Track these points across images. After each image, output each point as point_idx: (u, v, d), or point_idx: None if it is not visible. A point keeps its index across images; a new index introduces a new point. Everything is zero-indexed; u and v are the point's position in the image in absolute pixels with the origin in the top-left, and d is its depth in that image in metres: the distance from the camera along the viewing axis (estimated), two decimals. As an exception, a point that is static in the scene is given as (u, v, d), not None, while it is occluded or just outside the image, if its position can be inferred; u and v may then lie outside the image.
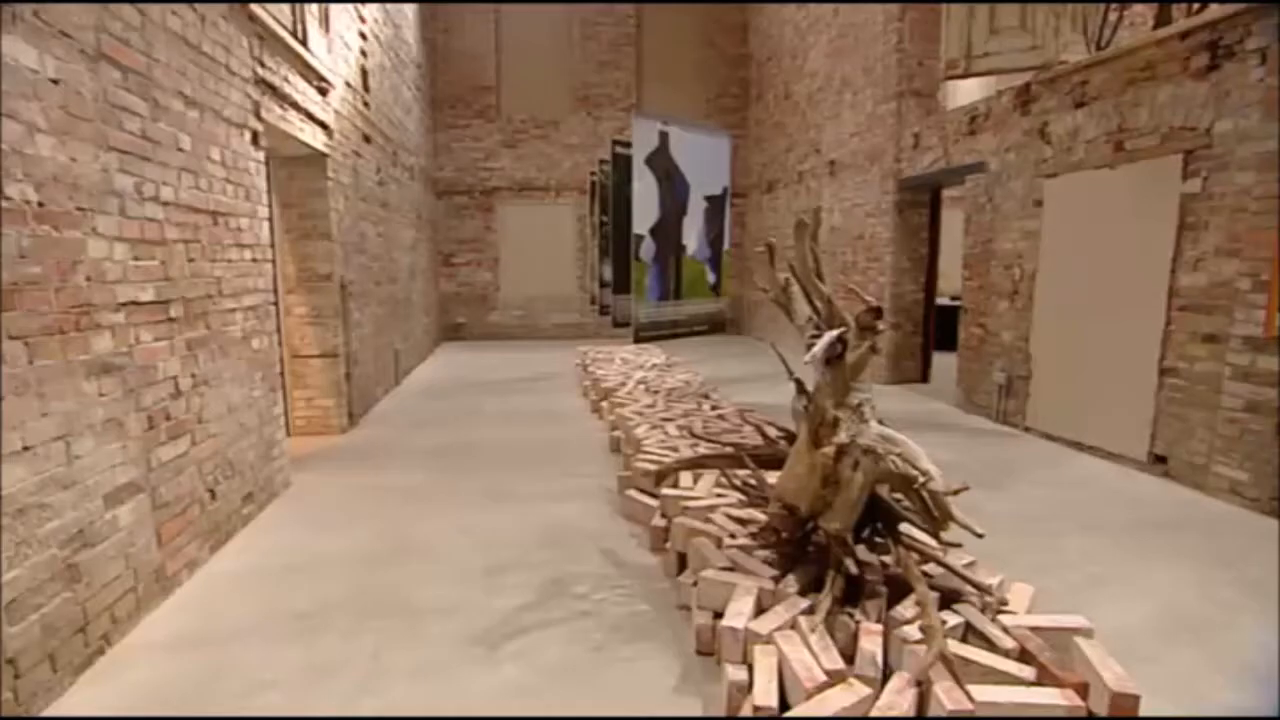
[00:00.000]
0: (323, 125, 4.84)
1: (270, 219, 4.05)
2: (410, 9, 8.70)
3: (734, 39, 11.40)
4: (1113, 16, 4.70)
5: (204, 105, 3.02)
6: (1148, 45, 4.08)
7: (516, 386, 7.28)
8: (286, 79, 4.10)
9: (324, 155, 4.91)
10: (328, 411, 5.18)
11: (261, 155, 3.70)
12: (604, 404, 5.51)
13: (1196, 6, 3.89)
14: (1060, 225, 4.91)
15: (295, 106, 4.27)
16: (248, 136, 3.52)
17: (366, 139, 6.20)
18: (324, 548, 3.13)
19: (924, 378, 7.21)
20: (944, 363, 6.93)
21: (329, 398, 5.18)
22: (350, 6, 5.77)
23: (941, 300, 7.58)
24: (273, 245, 4.20)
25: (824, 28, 8.50)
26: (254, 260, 3.55)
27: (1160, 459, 4.13)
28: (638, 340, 7.41)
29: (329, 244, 5.03)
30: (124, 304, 2.40)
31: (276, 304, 4.16)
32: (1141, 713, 1.80)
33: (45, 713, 1.94)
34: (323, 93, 4.83)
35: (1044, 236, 5.05)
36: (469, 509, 3.63)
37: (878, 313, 2.08)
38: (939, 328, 7.33)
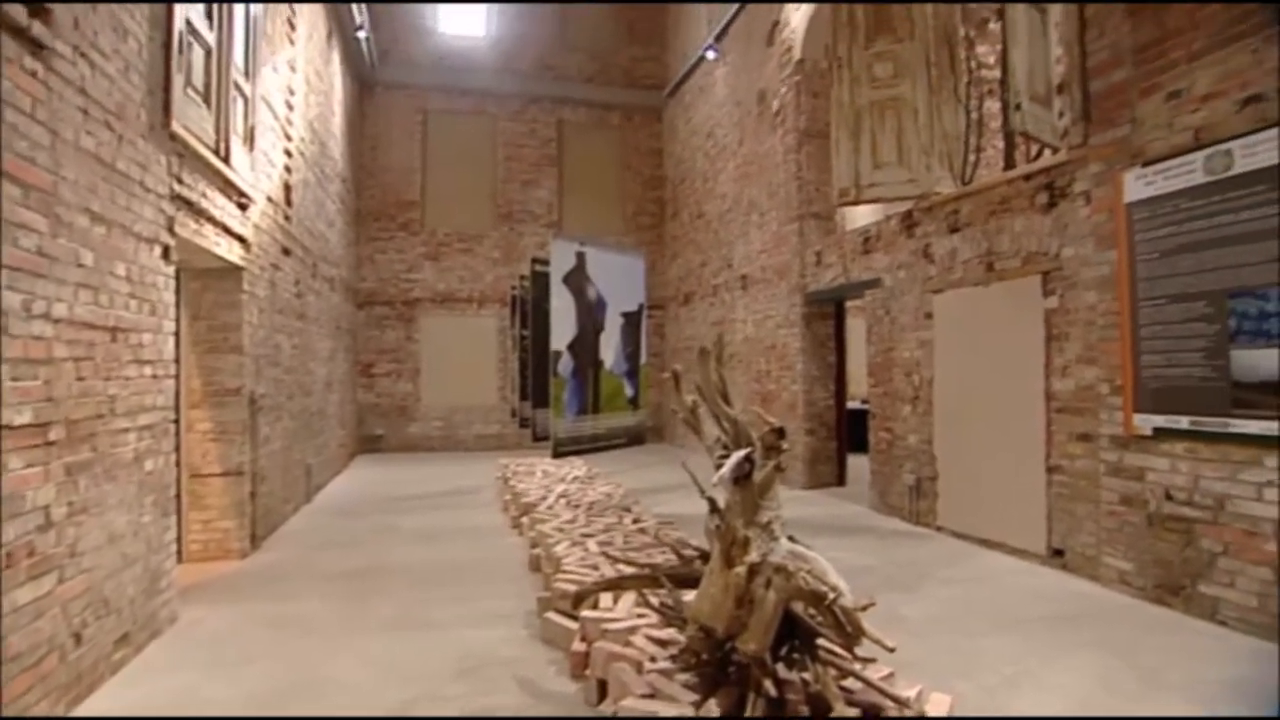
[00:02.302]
0: (240, 239, 4.81)
1: (177, 333, 3.92)
2: (338, 128, 8.97)
3: (650, 162, 12.27)
4: (972, 157, 5.41)
5: (112, 221, 2.98)
6: (1000, 183, 4.71)
7: (435, 502, 7.00)
8: (205, 194, 4.10)
9: (240, 268, 4.85)
10: (228, 534, 4.81)
11: (172, 269, 3.64)
12: (524, 520, 5.37)
13: (1034, 153, 4.56)
14: (949, 336, 5.37)
15: (212, 221, 4.26)
16: (158, 251, 3.46)
17: (286, 252, 6.18)
18: (207, 694, 2.82)
19: (840, 480, 7.44)
20: (859, 464, 7.20)
21: (230, 519, 4.82)
22: (277, 126, 5.92)
23: (853, 404, 7.97)
24: (177, 360, 4.03)
25: (731, 155, 9.31)
26: (154, 376, 3.40)
27: (1058, 552, 4.38)
28: (556, 455, 7.39)
29: (239, 357, 4.87)
30: (-4, 429, 2.23)
31: (177, 421, 3.94)
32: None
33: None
34: (243, 207, 4.84)
35: (936, 346, 5.49)
36: (379, 639, 3.38)
37: (780, 433, 2.20)
38: (852, 431, 7.66)
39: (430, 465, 9.53)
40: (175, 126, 3.57)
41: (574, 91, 11.86)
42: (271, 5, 5.67)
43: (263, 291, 5.40)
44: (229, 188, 4.51)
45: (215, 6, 4.21)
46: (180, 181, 3.72)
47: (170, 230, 3.59)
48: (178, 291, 4.06)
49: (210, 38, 4.14)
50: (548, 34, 11.85)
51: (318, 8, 7.66)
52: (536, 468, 7.72)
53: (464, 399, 11.20)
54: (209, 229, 4.21)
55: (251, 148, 5.01)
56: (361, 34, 9.30)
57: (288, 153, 6.28)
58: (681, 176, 11.35)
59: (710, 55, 9.76)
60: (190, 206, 3.88)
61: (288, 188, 6.27)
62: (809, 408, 7.38)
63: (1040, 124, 4.29)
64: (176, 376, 3.92)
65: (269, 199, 5.64)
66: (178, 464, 4.21)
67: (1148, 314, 3.72)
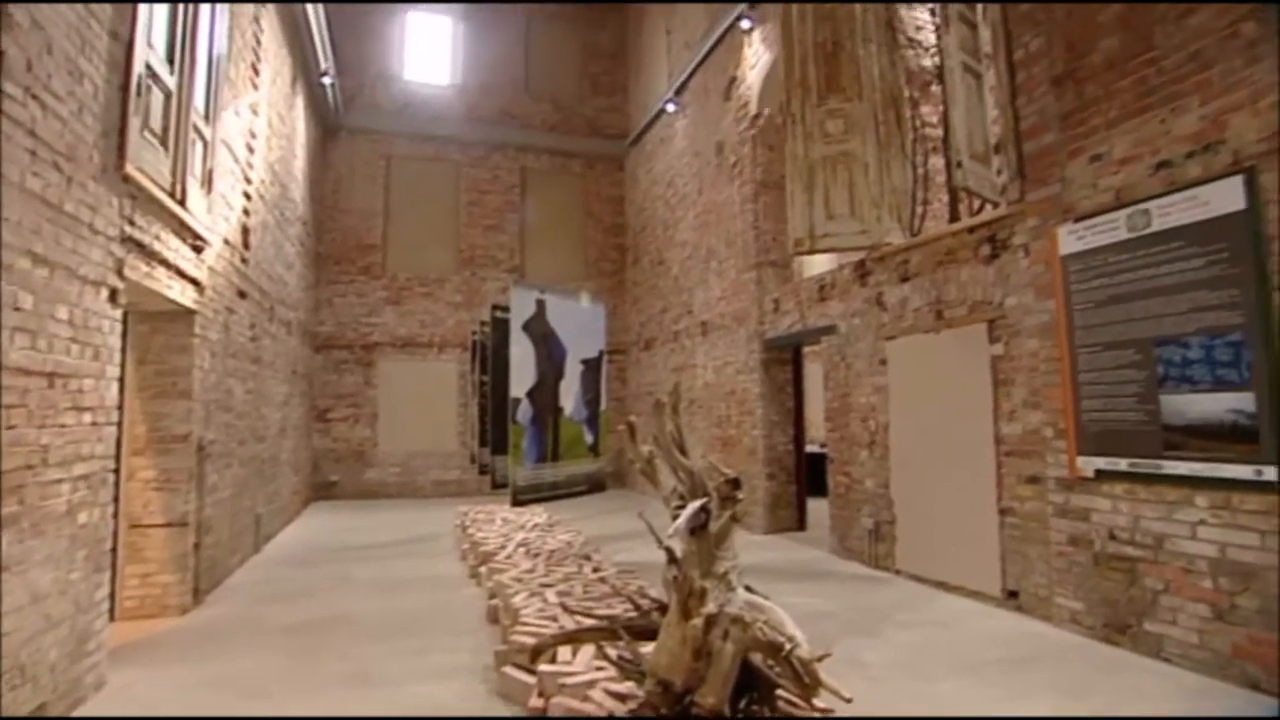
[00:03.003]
0: (194, 282, 4.72)
1: (121, 378, 3.79)
2: (300, 171, 8.95)
3: (611, 209, 12.49)
4: (920, 209, 5.67)
5: (56, 264, 2.90)
6: (946, 235, 4.94)
7: (391, 551, 6.79)
8: (158, 237, 4.03)
9: (192, 312, 4.75)
10: (168, 589, 4.57)
11: (119, 313, 3.54)
12: (483, 569, 5.24)
13: (976, 207, 4.81)
14: (903, 381, 5.52)
15: (165, 264, 4.17)
16: (105, 294, 3.37)
17: (242, 295, 6.07)
18: (137, 763, 2.64)
19: (801, 525, 7.47)
20: (819, 508, 7.25)
21: (171, 573, 4.59)
22: (236, 169, 5.88)
23: (812, 448, 8.06)
24: (120, 406, 3.89)
25: (690, 204, 9.55)
26: (94, 424, 3.27)
27: (1013, 594, 4.45)
28: (515, 504, 7.26)
29: (188, 403, 4.71)
30: (-85, 483, 2.11)
31: (117, 470, 3.78)
32: None
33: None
34: (198, 250, 4.76)
35: (891, 391, 5.63)
36: (326, 697, 3.23)
37: (735, 483, 2.23)
38: (811, 475, 7.73)
39: (387, 512, 9.26)
40: (129, 169, 3.52)
41: (537, 139, 12.09)
42: (235, 51, 5.70)
43: (216, 335, 5.27)
44: (184, 230, 4.44)
45: (177, 52, 4.22)
46: (132, 224, 3.65)
47: (119, 273, 3.51)
48: (124, 335, 3.95)
49: (170, 81, 4.14)
50: (512, 84, 12.13)
51: (283, 53, 7.72)
52: (496, 515, 7.58)
53: (423, 445, 10.99)
54: (161, 272, 4.12)
55: (209, 190, 4.97)
56: (327, 79, 9.37)
57: (247, 195, 6.22)
58: (643, 224, 11.57)
59: (670, 108, 10.09)
60: (142, 249, 3.80)
61: (246, 230, 6.20)
62: (769, 452, 7.44)
63: (980, 181, 4.53)
64: (119, 423, 3.78)
65: (226, 241, 5.56)
66: (115, 515, 4.02)
67: (1085, 360, 3.91)
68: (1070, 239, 3.98)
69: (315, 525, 8.34)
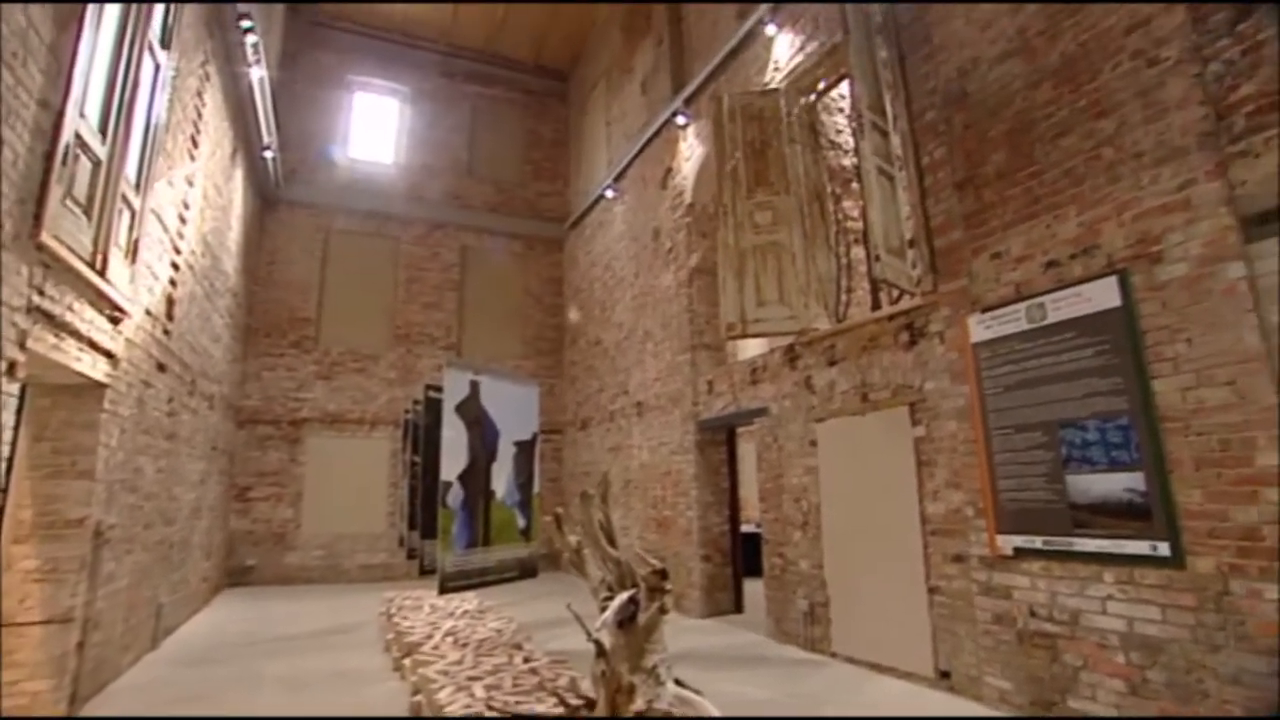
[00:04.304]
0: (108, 354, 4.49)
1: (10, 457, 3.51)
2: (234, 242, 8.78)
3: (550, 289, 12.67)
4: (844, 297, 6.01)
5: (-47, 337, 2.74)
6: (869, 322, 5.23)
7: (308, 643, 6.30)
8: (71, 308, 3.86)
9: (103, 385, 4.49)
10: (37, 698, 4.08)
11: (16, 387, 3.33)
12: (407, 661, 4.93)
13: (895, 296, 5.13)
14: (833, 462, 5.67)
15: (76, 335, 3.97)
16: (2, 367, 3.17)
17: (161, 368, 5.79)
18: None
19: (738, 607, 7.37)
20: (757, 589, 7.19)
21: (45, 678, 4.11)
22: (166, 239, 5.74)
23: (748, 528, 8.06)
24: (5, 489, 3.59)
25: (627, 287, 9.81)
26: (-26, 508, 3.00)
27: (945, 674, 4.47)
28: (444, 591, 6.96)
29: (89, 484, 4.38)
30: None
31: (-6, 559, 3.44)
32: None
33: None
34: (115, 321, 4.56)
35: (822, 472, 5.76)
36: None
37: (663, 574, 2.23)
38: (748, 555, 7.69)
39: (307, 599, 8.63)
40: (45, 237, 3.40)
41: (479, 219, 12.29)
42: (174, 123, 5.68)
43: (128, 410, 4.98)
44: (101, 300, 4.27)
45: (111, 122, 4.18)
46: (42, 294, 3.49)
47: (21, 345, 3.32)
48: (19, 411, 3.69)
49: (101, 151, 4.07)
50: (455, 166, 12.41)
51: (224, 126, 7.72)
52: (424, 601, 7.20)
53: (349, 526, 10.43)
54: (70, 343, 3.92)
55: (133, 260, 4.81)
56: (269, 154, 9.37)
57: (175, 266, 6.05)
58: (580, 304, 11.76)
59: (609, 194, 10.50)
60: (51, 320, 3.62)
61: (170, 301, 5.99)
62: (704, 534, 7.40)
63: (897, 273, 4.86)
64: (1, 509, 3.48)
65: (148, 312, 5.35)
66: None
67: (999, 442, 4.14)
68: (979, 328, 4.29)
69: (225, 615, 7.69)
